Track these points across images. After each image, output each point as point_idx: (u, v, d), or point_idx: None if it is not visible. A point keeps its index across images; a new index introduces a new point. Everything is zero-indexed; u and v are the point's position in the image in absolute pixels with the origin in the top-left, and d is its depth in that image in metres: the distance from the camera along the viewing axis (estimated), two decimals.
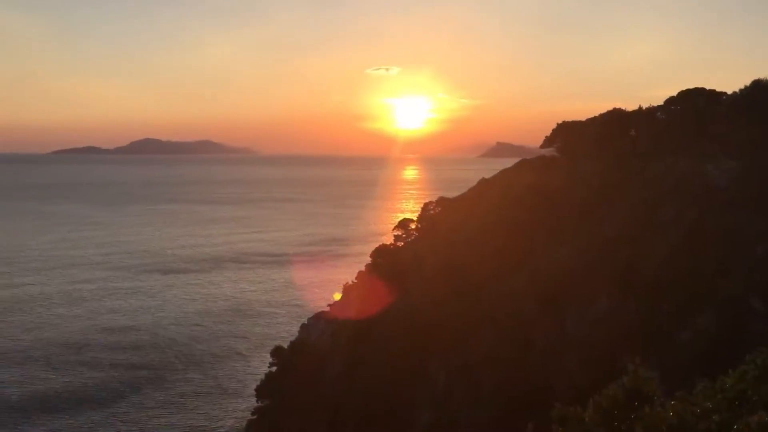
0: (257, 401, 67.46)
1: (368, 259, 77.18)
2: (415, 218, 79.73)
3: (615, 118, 74.50)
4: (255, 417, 67.11)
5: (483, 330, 50.02)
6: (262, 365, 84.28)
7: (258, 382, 69.64)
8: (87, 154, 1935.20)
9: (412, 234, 76.68)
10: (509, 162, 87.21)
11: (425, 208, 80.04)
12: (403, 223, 78.95)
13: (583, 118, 79.32)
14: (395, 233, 77.96)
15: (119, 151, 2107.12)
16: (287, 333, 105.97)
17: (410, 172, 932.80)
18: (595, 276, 47.93)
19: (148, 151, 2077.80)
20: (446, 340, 51.49)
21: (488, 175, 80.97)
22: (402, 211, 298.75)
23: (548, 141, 79.07)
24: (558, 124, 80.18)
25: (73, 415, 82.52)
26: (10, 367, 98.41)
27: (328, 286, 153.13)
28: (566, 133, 77.11)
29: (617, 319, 44.30)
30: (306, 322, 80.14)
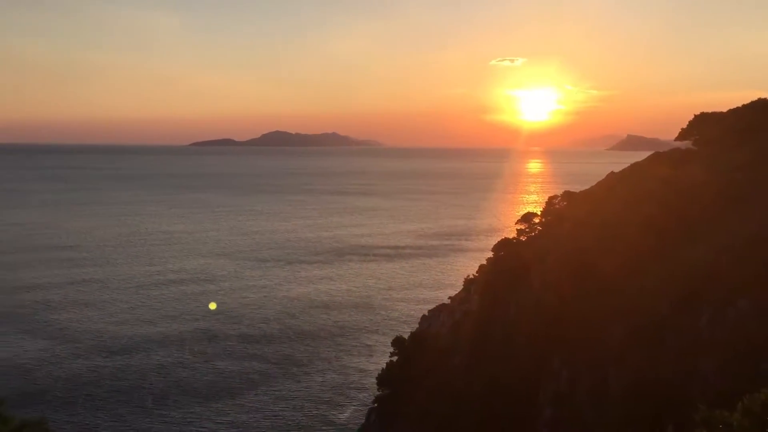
0: (378, 389, 68.49)
1: (490, 253, 76.43)
2: (539, 212, 78.07)
3: (760, 108, 69.77)
4: (376, 405, 68.21)
5: (611, 327, 48.23)
6: (383, 355, 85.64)
7: (379, 371, 70.74)
8: (223, 145, 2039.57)
9: (536, 228, 75.01)
10: (641, 155, 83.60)
11: (550, 201, 78.11)
12: (527, 217, 77.39)
13: (723, 109, 74.98)
14: (518, 227, 76.59)
15: (252, 143, 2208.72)
16: (408, 324, 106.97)
17: (534, 165, 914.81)
18: (736, 275, 44.95)
19: (277, 143, 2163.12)
20: (571, 336, 50.09)
21: (617, 168, 77.92)
22: (525, 205, 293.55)
23: (684, 133, 75.14)
24: (695, 115, 76.07)
25: (203, 403, 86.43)
26: (149, 352, 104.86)
27: (449, 278, 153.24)
28: (704, 124, 72.98)
29: (760, 322, 41.37)
30: (426, 314, 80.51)
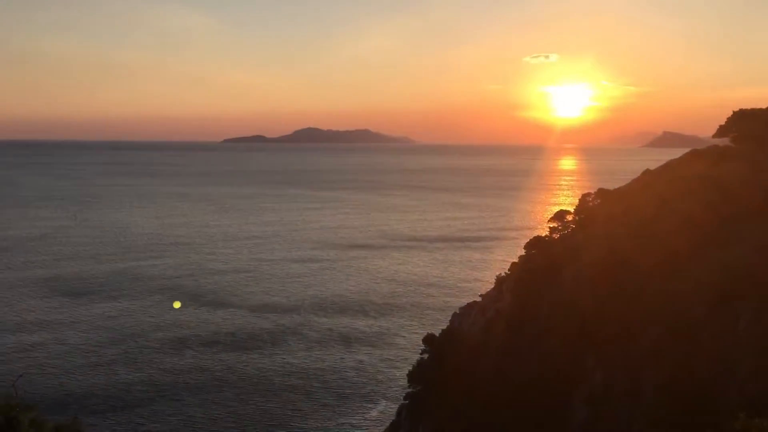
0: (409, 386, 68.36)
1: (522, 251, 75.72)
2: (572, 210, 77.08)
3: None
4: (407, 402, 68.11)
5: (646, 327, 47.49)
6: (413, 352, 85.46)
7: (410, 368, 70.56)
8: (254, 142, 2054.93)
9: (569, 226, 74.03)
10: (677, 153, 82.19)
11: (583, 199, 77.01)
12: (560, 215, 76.47)
13: (764, 105, 73.40)
14: (551, 225, 75.70)
15: (283, 139, 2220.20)
16: (438, 321, 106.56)
17: (567, 163, 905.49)
18: None
19: (309, 139, 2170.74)
20: (605, 336, 49.45)
21: (653, 165, 76.66)
22: (558, 203, 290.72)
23: (723, 130, 73.63)
24: (734, 111, 74.53)
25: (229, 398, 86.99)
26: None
27: (480, 275, 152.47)
28: (744, 121, 71.41)
29: None
30: (458, 311, 80.00)
